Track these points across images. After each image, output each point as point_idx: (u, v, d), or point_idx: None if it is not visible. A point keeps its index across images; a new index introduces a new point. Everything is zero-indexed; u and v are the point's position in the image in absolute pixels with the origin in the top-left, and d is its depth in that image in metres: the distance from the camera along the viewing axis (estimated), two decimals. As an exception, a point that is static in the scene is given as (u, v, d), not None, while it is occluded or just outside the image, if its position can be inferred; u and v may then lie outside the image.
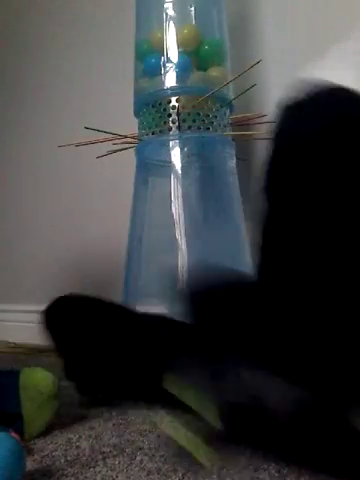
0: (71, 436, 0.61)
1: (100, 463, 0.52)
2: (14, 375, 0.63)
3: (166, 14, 0.92)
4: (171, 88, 0.90)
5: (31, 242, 1.59)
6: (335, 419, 0.45)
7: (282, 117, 0.49)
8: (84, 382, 0.75)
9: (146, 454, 0.54)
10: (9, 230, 1.67)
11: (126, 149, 1.00)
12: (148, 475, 0.48)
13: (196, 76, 0.92)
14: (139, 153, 0.97)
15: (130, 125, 0.99)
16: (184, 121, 0.89)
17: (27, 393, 0.61)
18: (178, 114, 0.89)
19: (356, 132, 0.45)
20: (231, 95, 0.94)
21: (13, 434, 0.48)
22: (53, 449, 0.56)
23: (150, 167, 0.98)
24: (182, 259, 0.85)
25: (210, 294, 0.57)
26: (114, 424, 0.65)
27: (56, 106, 1.54)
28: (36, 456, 0.54)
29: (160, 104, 0.90)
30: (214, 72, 0.93)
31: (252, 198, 1.07)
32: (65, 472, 0.50)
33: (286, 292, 0.49)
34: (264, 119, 0.97)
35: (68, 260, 1.47)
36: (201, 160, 0.94)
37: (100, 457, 0.53)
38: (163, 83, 0.91)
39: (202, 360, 0.53)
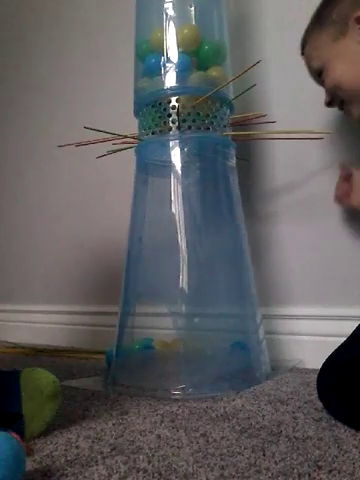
0: (71, 436, 0.61)
1: (100, 463, 0.52)
2: (15, 375, 0.63)
3: (166, 14, 0.92)
4: (171, 88, 0.90)
5: (31, 243, 1.59)
6: None
7: None
8: None
9: (146, 454, 0.54)
10: (9, 231, 1.67)
11: (126, 149, 1.00)
12: (147, 475, 0.48)
13: (196, 76, 0.92)
14: (139, 153, 0.97)
15: (130, 125, 0.99)
16: (184, 121, 0.89)
17: (28, 393, 0.61)
18: (178, 114, 0.89)
19: None
20: (231, 95, 0.94)
21: (13, 434, 0.48)
22: (53, 449, 0.56)
23: (150, 167, 0.98)
24: (182, 259, 0.85)
25: None
26: (114, 424, 0.65)
27: (56, 106, 1.54)
28: (36, 456, 0.54)
29: (160, 104, 0.90)
30: (214, 72, 0.93)
31: (252, 198, 1.08)
32: (65, 472, 0.50)
33: None
34: (264, 119, 0.97)
35: (68, 260, 1.47)
36: (201, 160, 0.94)
37: (100, 457, 0.53)
38: (163, 83, 0.91)
39: None
